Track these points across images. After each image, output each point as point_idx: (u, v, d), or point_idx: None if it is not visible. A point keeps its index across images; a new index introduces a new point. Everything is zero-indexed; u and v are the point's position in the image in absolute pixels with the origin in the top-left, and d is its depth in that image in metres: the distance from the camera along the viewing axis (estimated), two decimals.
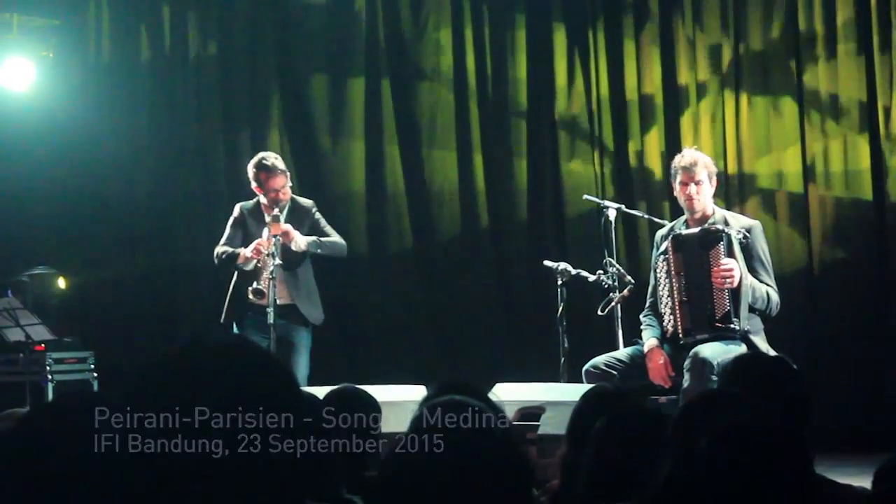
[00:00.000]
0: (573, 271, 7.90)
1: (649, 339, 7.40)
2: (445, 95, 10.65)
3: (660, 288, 7.46)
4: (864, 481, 3.38)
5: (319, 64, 10.90)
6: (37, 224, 10.99)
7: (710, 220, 7.35)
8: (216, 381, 1.95)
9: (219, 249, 8.58)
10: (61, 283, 10.79)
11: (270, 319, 8.00)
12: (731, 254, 7.17)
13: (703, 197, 7.37)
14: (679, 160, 7.49)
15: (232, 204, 8.86)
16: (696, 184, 7.34)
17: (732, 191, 9.74)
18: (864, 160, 9.54)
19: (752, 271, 7.25)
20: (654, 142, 10.06)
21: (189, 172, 10.99)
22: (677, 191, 7.46)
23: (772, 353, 7.06)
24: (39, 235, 10.98)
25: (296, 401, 2.05)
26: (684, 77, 10.00)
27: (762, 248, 7.36)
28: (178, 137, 11.02)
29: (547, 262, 8.09)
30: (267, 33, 10.97)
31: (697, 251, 7.26)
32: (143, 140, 11.04)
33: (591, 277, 7.87)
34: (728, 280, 7.10)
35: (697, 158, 7.44)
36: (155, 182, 11.02)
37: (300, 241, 8.31)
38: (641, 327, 7.54)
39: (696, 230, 7.32)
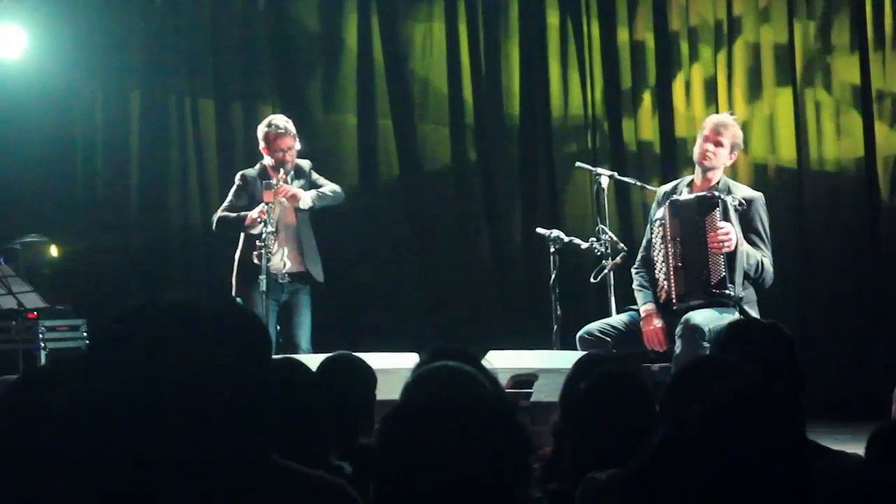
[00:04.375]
0: (566, 239, 7.92)
1: (646, 304, 7.40)
2: (438, 72, 10.62)
3: (655, 252, 7.45)
4: (856, 447, 3.38)
5: (313, 39, 10.87)
6: (29, 191, 10.98)
7: (713, 188, 7.35)
8: (171, 343, 1.95)
9: (219, 214, 8.59)
10: (53, 250, 10.78)
11: (263, 287, 8.04)
12: (726, 220, 7.17)
13: (718, 160, 7.37)
14: (713, 116, 7.55)
15: (225, 173, 8.85)
16: (717, 144, 7.35)
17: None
18: (857, 130, 9.54)
19: (750, 242, 7.26)
20: (646, 108, 10.04)
21: (182, 141, 10.97)
22: (698, 143, 7.45)
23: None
24: (32, 203, 10.97)
25: (263, 362, 2.05)
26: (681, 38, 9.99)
27: (762, 219, 7.35)
28: (172, 106, 11.00)
29: (540, 230, 8.10)
30: (259, 3, 10.94)
31: (693, 217, 7.26)
32: (135, 108, 11.01)
33: (584, 245, 7.88)
34: (725, 243, 7.10)
35: (728, 123, 7.47)
36: (147, 150, 11.00)
37: (306, 199, 8.41)
38: (634, 286, 7.53)
39: (692, 196, 7.33)
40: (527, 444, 2.32)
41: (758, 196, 7.47)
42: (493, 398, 2.35)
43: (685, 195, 7.40)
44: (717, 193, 7.24)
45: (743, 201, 7.27)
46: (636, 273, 7.56)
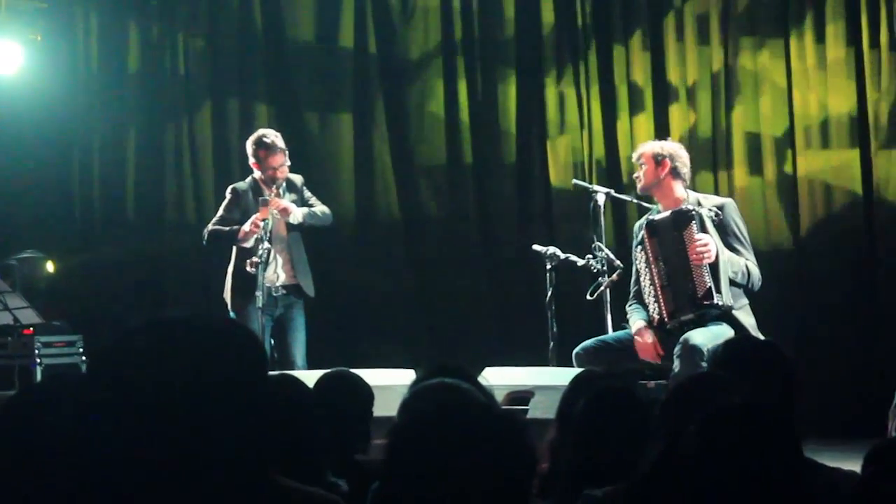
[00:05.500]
0: (562, 256, 7.92)
1: (637, 321, 7.44)
2: (434, 78, 10.64)
3: (641, 278, 7.51)
4: (852, 464, 3.38)
5: (309, 44, 10.89)
6: (25, 208, 10.97)
7: (683, 203, 7.42)
8: (173, 359, 1.95)
9: (210, 228, 8.58)
10: (49, 266, 10.77)
11: (260, 303, 8.05)
12: (703, 232, 7.23)
13: (647, 178, 7.55)
14: None
15: (220, 186, 8.85)
16: (639, 167, 7.60)
17: (720, 157, 9.76)
18: (852, 139, 9.53)
19: (729, 248, 7.34)
20: (642, 125, 10.04)
21: (178, 155, 10.97)
22: None
23: (757, 329, 7.16)
24: (28, 219, 10.96)
25: (260, 378, 2.05)
26: (673, 72, 9.99)
27: (737, 223, 7.46)
28: (167, 121, 11.00)
29: (536, 247, 8.11)
30: (255, 16, 10.95)
31: (672, 234, 7.34)
32: (131, 124, 11.02)
33: (580, 262, 7.88)
34: (705, 255, 7.16)
35: (638, 149, 7.76)
36: (143, 165, 11.00)
37: (297, 214, 8.43)
38: (627, 316, 7.57)
39: (667, 213, 7.41)
40: (532, 459, 2.32)
41: (728, 201, 7.62)
42: (502, 414, 2.35)
43: (660, 215, 7.47)
44: (690, 207, 7.31)
45: (718, 211, 7.34)
46: (628, 306, 7.61)
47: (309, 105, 10.86)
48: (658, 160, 7.50)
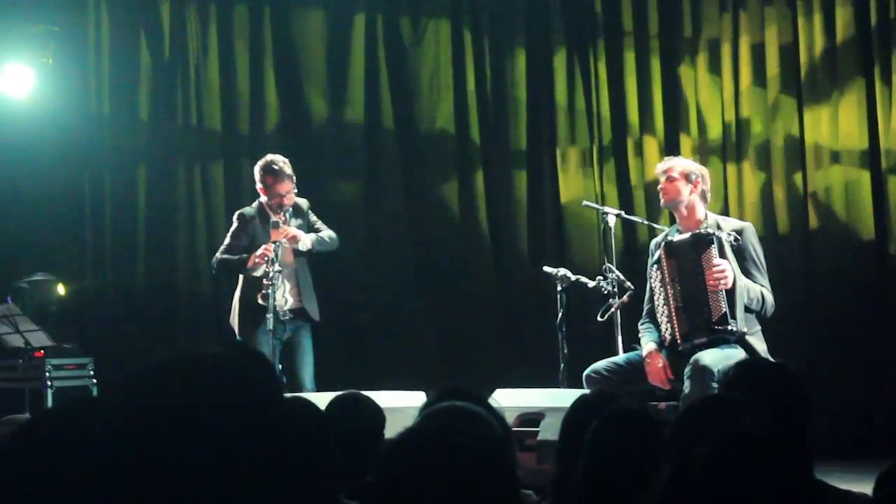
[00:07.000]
0: (573, 277, 7.92)
1: (648, 343, 7.43)
2: (445, 100, 10.66)
3: (655, 297, 7.48)
4: (864, 487, 3.38)
5: (320, 69, 10.92)
6: (36, 230, 10.98)
7: (703, 225, 7.41)
8: (197, 392, 1.96)
9: (219, 257, 8.59)
10: (61, 289, 10.77)
11: (270, 325, 8.06)
12: (722, 256, 7.21)
13: (677, 193, 7.49)
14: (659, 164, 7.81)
15: (231, 209, 8.85)
16: (668, 181, 7.53)
17: (731, 191, 9.77)
18: (864, 153, 9.53)
19: (746, 273, 7.31)
20: (652, 147, 10.05)
21: (188, 178, 10.98)
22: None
23: (768, 355, 7.12)
24: (39, 242, 10.96)
25: (273, 406, 2.06)
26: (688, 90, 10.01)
27: (755, 248, 7.43)
28: (178, 143, 11.02)
29: (546, 268, 8.12)
30: (266, 37, 10.97)
31: (690, 256, 7.31)
32: (142, 146, 11.03)
33: (591, 283, 7.89)
34: (722, 281, 7.14)
35: (670, 160, 7.76)
36: (154, 188, 11.00)
37: (306, 241, 8.44)
38: (640, 335, 7.56)
39: (686, 236, 7.39)
40: (515, 485, 2.32)
41: (747, 225, 7.59)
42: (487, 437, 2.35)
43: (679, 236, 7.45)
44: (710, 231, 7.29)
45: (738, 236, 7.32)
46: (641, 324, 7.60)
47: (322, 135, 10.87)
48: (690, 179, 7.50)
